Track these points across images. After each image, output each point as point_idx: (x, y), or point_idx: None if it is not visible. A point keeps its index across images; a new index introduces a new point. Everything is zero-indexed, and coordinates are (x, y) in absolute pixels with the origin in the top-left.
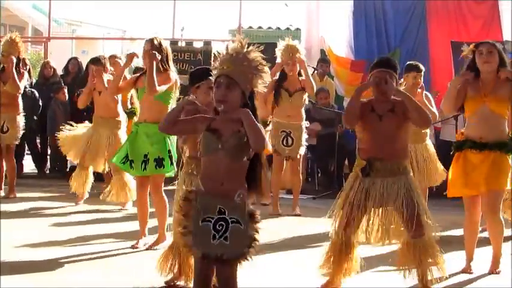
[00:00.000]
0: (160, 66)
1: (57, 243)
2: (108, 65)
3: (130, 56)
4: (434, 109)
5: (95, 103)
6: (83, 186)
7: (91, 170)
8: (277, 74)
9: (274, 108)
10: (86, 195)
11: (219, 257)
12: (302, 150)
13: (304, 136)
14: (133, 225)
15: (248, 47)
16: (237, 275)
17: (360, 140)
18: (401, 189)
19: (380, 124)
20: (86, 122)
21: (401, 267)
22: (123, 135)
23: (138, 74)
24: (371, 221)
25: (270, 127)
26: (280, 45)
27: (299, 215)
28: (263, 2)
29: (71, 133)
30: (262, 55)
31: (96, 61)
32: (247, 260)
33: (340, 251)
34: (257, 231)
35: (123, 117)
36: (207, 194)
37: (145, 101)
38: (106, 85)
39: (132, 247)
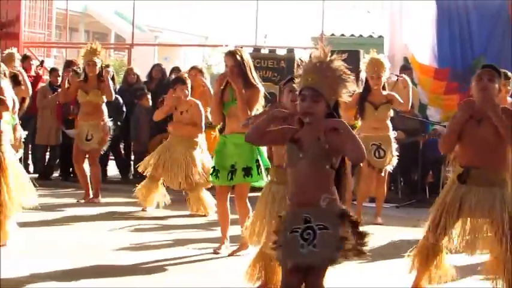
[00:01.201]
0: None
1: (146, 247)
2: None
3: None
4: None
5: (174, 120)
6: (149, 197)
7: (161, 182)
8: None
9: (357, 120)
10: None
11: (310, 265)
12: (394, 161)
13: (394, 146)
14: (216, 232)
15: (331, 56)
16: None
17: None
18: (496, 201)
19: (478, 129)
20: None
21: (491, 278)
22: (197, 155)
23: (222, 88)
24: (461, 229)
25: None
26: (365, 58)
27: (381, 224)
28: (346, 9)
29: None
30: (345, 64)
31: (181, 81)
32: (337, 264)
33: (427, 254)
34: (348, 231)
35: (202, 138)
36: (293, 205)
37: (232, 114)
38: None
39: (214, 251)
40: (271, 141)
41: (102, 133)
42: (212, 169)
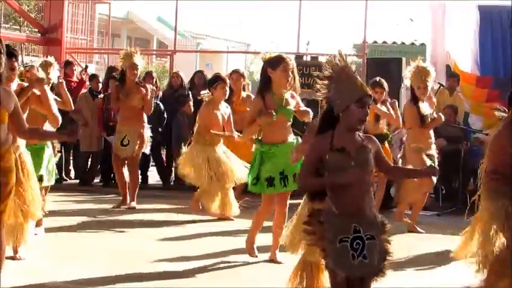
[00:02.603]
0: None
1: (186, 254)
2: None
3: None
4: None
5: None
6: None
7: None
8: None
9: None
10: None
11: (361, 277)
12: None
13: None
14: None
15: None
16: None
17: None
18: None
19: None
20: None
21: None
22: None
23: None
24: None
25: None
26: (411, 66)
27: (421, 232)
28: (388, 16)
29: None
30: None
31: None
32: (384, 275)
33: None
34: (388, 242)
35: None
36: (341, 214)
37: (277, 123)
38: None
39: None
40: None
41: (139, 139)
42: (255, 179)
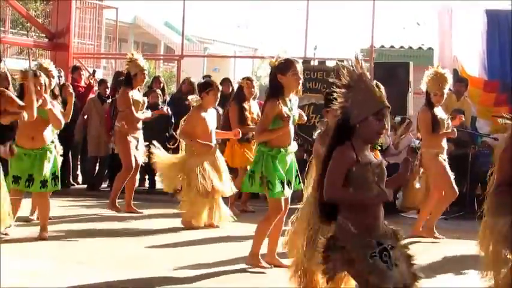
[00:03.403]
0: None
1: (198, 260)
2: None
3: None
4: None
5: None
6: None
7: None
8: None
9: None
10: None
11: (405, 284)
12: None
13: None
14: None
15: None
16: None
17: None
18: None
19: None
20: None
21: None
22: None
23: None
24: None
25: None
26: (429, 72)
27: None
28: (395, 21)
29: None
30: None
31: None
32: (421, 278)
33: None
34: (407, 248)
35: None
36: (359, 233)
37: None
38: None
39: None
40: None
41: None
42: (279, 183)
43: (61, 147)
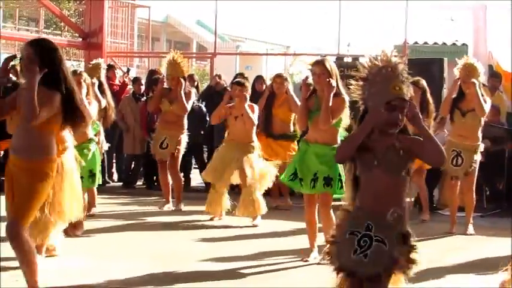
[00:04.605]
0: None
1: (229, 255)
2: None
3: None
4: None
5: (229, 127)
6: (218, 206)
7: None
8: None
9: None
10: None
11: (353, 272)
12: (474, 173)
13: (477, 157)
14: (299, 241)
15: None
16: None
17: None
18: None
19: None
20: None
21: None
22: (255, 158)
23: (307, 97)
24: None
25: None
26: (459, 62)
27: (471, 234)
28: (429, 17)
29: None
30: (429, 71)
31: (240, 83)
32: (377, 282)
33: None
34: (405, 255)
35: (256, 142)
36: (360, 209)
37: (316, 123)
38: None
39: (302, 260)
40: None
41: (177, 145)
42: (293, 176)
43: (108, 144)
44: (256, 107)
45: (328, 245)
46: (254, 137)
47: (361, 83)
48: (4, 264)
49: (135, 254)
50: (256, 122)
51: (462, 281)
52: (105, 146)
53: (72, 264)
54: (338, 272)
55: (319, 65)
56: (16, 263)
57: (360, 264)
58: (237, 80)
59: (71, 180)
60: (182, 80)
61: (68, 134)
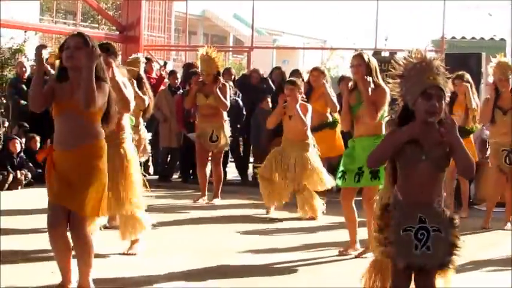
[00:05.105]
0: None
1: (268, 249)
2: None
3: None
4: None
5: (284, 126)
6: (275, 196)
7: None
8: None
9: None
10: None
11: (422, 267)
12: None
13: None
14: (336, 234)
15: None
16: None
17: None
18: None
19: None
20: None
21: None
22: (312, 156)
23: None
24: None
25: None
26: (493, 61)
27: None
28: (467, 12)
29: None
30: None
31: (292, 82)
32: (449, 269)
33: None
34: (458, 237)
35: (311, 139)
36: (407, 204)
37: (359, 117)
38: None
39: (340, 253)
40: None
41: (225, 134)
42: (341, 172)
43: (149, 134)
44: (309, 107)
45: (382, 248)
46: (309, 134)
47: (398, 80)
48: (39, 255)
49: (173, 248)
50: (308, 123)
51: (497, 277)
52: (148, 135)
53: (110, 258)
54: (404, 270)
55: (356, 57)
56: (50, 254)
57: (426, 257)
58: (289, 79)
59: (136, 168)
60: (217, 75)
61: (127, 123)
